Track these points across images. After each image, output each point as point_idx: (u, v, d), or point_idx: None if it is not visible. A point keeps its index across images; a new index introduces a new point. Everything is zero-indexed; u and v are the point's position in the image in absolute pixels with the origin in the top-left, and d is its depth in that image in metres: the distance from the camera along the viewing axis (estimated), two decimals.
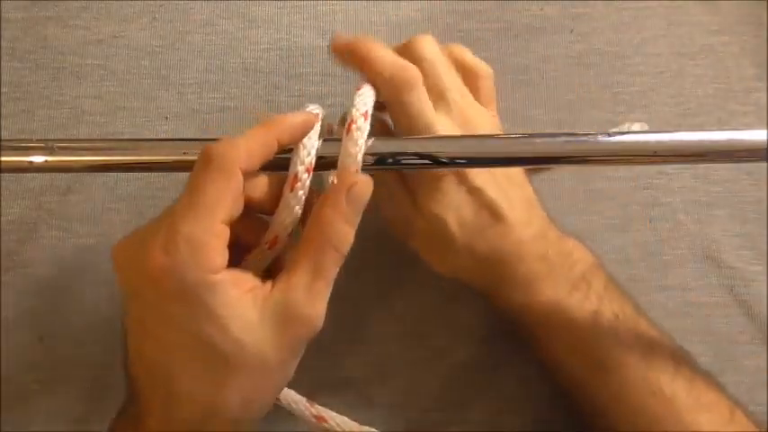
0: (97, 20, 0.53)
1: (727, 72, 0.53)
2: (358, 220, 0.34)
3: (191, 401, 0.32)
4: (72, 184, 0.49)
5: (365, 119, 0.35)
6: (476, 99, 0.43)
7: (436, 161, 0.35)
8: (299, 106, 0.50)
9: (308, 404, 0.41)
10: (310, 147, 0.35)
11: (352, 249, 0.48)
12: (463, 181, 0.40)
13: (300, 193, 0.35)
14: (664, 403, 0.38)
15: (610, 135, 0.35)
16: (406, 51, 0.40)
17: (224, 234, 0.32)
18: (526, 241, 0.41)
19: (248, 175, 0.33)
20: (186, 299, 0.31)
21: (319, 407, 0.42)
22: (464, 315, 0.47)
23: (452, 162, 0.36)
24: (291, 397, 0.41)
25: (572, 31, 0.53)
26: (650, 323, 0.41)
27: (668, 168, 0.50)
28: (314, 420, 0.41)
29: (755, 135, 0.35)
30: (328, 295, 0.34)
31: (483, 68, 0.44)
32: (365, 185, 0.34)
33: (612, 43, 0.53)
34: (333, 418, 0.41)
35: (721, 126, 0.52)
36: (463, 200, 0.40)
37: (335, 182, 0.34)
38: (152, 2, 0.53)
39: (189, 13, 0.53)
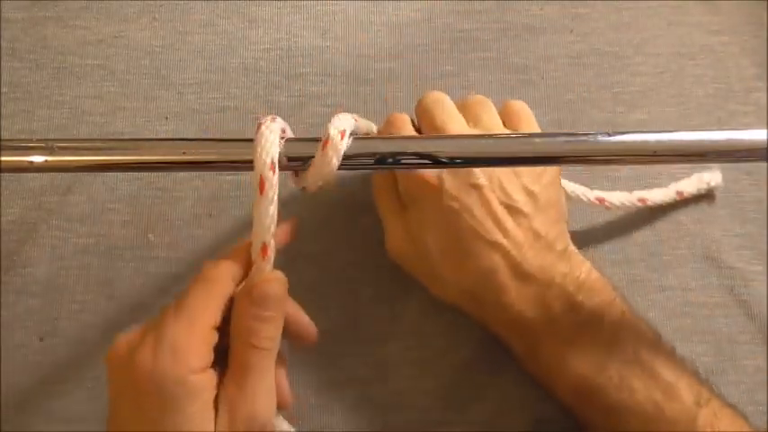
0: (97, 20, 0.53)
1: (727, 72, 0.53)
2: (273, 312, 0.34)
3: None
4: (72, 184, 0.49)
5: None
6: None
7: (436, 161, 0.35)
8: (299, 106, 0.51)
9: None
10: (269, 147, 0.34)
11: (352, 250, 0.49)
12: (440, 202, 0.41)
13: (271, 193, 0.34)
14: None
15: (610, 135, 0.35)
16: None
17: (207, 337, 0.34)
18: (522, 264, 0.41)
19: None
20: (163, 399, 0.32)
21: None
22: (464, 315, 0.47)
23: (452, 162, 0.36)
24: None
25: (572, 31, 0.53)
26: (666, 361, 0.40)
27: (668, 168, 0.50)
28: None
29: (755, 135, 0.35)
30: (269, 386, 0.34)
31: (524, 108, 0.45)
32: (265, 285, 0.34)
33: (612, 43, 0.53)
34: None
35: (721, 126, 0.52)
36: (448, 223, 0.41)
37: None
38: (152, 2, 0.53)
39: (189, 13, 0.53)
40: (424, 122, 0.43)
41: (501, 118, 0.44)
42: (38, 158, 0.33)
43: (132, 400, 0.33)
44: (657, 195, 0.47)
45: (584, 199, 0.46)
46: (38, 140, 0.33)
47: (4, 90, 0.51)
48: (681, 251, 0.49)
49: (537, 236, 0.41)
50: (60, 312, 0.47)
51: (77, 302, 0.47)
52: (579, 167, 0.49)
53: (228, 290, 0.35)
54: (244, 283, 0.35)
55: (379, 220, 0.49)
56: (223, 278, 0.35)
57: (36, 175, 0.49)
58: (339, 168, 0.35)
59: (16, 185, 0.49)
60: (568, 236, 0.44)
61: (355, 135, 0.36)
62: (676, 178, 0.49)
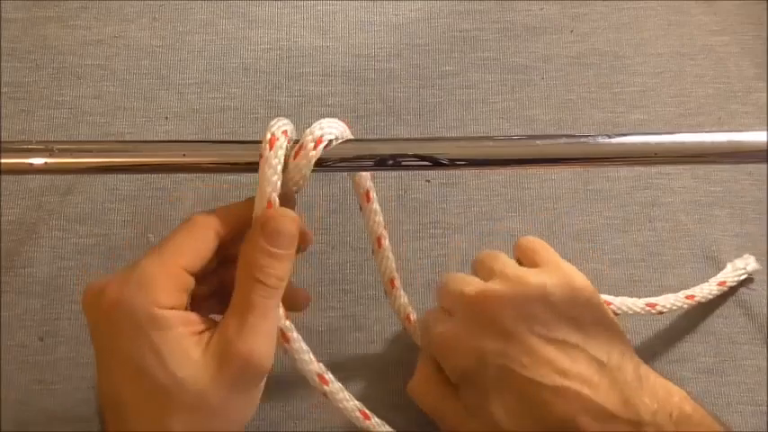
0: (97, 20, 0.53)
1: (727, 72, 0.53)
2: (284, 250, 0.34)
3: None
4: (72, 185, 0.49)
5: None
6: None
7: (436, 162, 0.35)
8: (299, 106, 0.51)
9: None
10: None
11: (351, 250, 0.49)
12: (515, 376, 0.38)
13: (275, 161, 0.34)
14: None
15: (610, 137, 0.35)
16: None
17: (179, 277, 0.33)
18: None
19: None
20: (132, 331, 0.32)
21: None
22: None
23: (453, 163, 0.35)
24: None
25: (572, 31, 0.53)
26: None
27: (668, 168, 0.50)
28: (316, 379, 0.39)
29: (755, 136, 0.34)
30: (269, 329, 0.34)
31: (536, 242, 0.43)
32: (280, 220, 0.34)
33: (612, 43, 0.53)
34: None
35: (721, 126, 0.52)
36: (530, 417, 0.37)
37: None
38: (152, 2, 0.53)
39: (189, 13, 0.53)
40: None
41: (517, 258, 0.43)
42: (37, 161, 0.33)
43: (106, 333, 0.33)
44: (704, 291, 0.47)
45: (634, 311, 0.44)
46: (38, 142, 0.33)
47: (4, 90, 0.51)
48: (681, 251, 0.49)
49: (600, 365, 0.37)
50: (60, 312, 0.47)
51: (77, 302, 0.47)
52: (579, 169, 0.49)
53: (209, 239, 0.34)
54: (255, 219, 0.34)
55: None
56: (206, 225, 0.34)
57: (36, 175, 0.49)
58: (341, 170, 0.36)
59: (16, 186, 0.49)
60: (633, 353, 0.39)
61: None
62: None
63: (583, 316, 0.39)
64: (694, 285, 0.48)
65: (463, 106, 0.51)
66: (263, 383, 0.35)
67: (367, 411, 0.40)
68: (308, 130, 0.35)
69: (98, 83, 0.51)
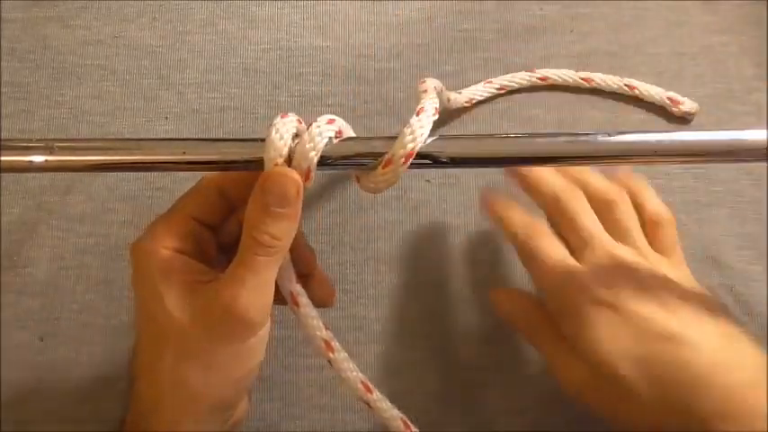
0: (97, 20, 0.53)
1: (727, 72, 0.53)
2: (279, 208, 0.34)
3: (149, 375, 0.35)
4: (72, 184, 0.49)
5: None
6: (653, 248, 0.41)
7: (436, 161, 0.35)
8: (299, 106, 0.51)
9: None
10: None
11: (351, 250, 0.49)
12: (622, 311, 0.36)
13: (284, 129, 0.34)
14: None
15: (610, 135, 0.35)
16: (553, 199, 0.41)
17: (181, 221, 0.36)
18: (718, 363, 0.34)
19: None
20: (138, 271, 0.35)
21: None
22: (464, 315, 0.47)
23: (452, 162, 0.35)
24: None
25: (572, 31, 0.53)
26: None
27: (668, 168, 0.50)
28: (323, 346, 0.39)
29: (755, 135, 0.34)
30: (258, 284, 0.34)
31: (665, 216, 0.41)
32: (276, 175, 0.34)
33: (612, 43, 0.53)
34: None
35: (721, 126, 0.52)
36: (631, 336, 0.36)
37: None
38: (152, 2, 0.53)
39: (189, 13, 0.53)
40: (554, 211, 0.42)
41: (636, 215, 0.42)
42: (38, 158, 0.33)
43: (132, 279, 0.36)
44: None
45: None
46: (38, 140, 0.33)
47: (4, 90, 0.51)
48: None
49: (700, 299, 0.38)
50: (60, 312, 0.47)
51: (77, 302, 0.47)
52: (580, 167, 0.49)
53: (211, 190, 0.37)
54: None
55: (379, 220, 0.49)
56: (210, 180, 0.37)
57: (36, 175, 0.49)
58: (342, 168, 0.36)
59: (16, 185, 0.49)
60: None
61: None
62: None
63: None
64: None
65: (463, 106, 0.51)
66: (256, 345, 0.35)
67: (370, 384, 0.40)
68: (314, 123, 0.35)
69: (98, 83, 0.52)
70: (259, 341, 0.35)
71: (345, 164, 0.35)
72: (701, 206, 0.50)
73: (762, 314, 0.47)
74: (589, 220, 0.41)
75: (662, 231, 0.41)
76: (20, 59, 0.52)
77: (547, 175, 0.42)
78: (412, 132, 0.35)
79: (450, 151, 0.35)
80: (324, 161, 0.34)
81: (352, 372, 0.39)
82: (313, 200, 0.49)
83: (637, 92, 0.51)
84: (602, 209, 0.41)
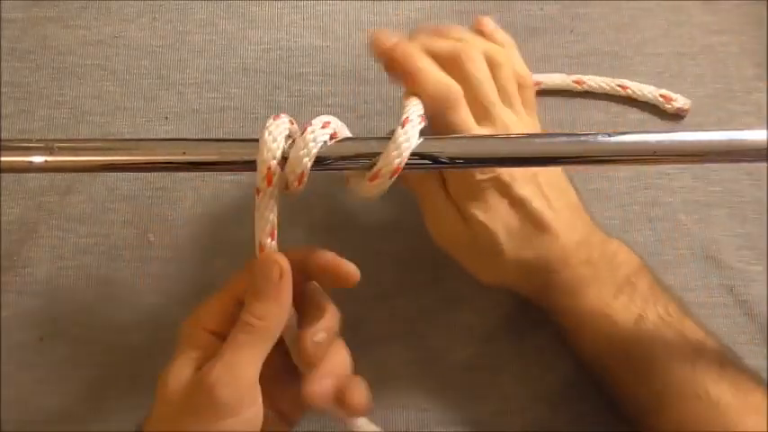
0: (97, 20, 0.53)
1: (727, 72, 0.53)
2: (265, 292, 0.35)
3: None
4: (72, 184, 0.49)
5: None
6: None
7: (436, 161, 0.35)
8: (298, 106, 0.51)
9: None
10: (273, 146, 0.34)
11: (351, 249, 0.49)
12: (507, 192, 0.41)
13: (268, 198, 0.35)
14: (709, 406, 0.38)
15: (610, 135, 0.35)
16: (451, 60, 0.41)
17: (223, 306, 0.37)
18: (571, 247, 0.42)
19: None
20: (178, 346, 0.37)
21: None
22: (464, 315, 0.47)
23: (452, 162, 0.36)
24: None
25: (572, 31, 0.53)
26: (696, 323, 0.42)
27: (668, 168, 0.50)
28: None
29: (755, 135, 0.34)
30: (239, 364, 0.34)
31: (528, 78, 0.44)
32: (260, 263, 0.35)
33: (612, 43, 0.53)
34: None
35: (721, 126, 0.52)
36: (509, 211, 0.41)
37: None
38: (152, 2, 0.53)
39: (189, 13, 0.53)
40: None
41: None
42: (38, 159, 0.33)
43: None
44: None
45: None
46: (38, 140, 0.33)
47: (4, 90, 0.51)
48: (681, 251, 0.49)
49: (575, 208, 0.43)
50: (60, 312, 0.47)
51: (77, 302, 0.47)
52: (579, 168, 0.49)
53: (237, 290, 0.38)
54: None
55: (380, 220, 0.49)
56: (237, 279, 0.38)
57: (36, 175, 0.49)
58: (341, 169, 0.36)
59: (16, 185, 0.49)
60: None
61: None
62: None
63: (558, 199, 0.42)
64: (694, 285, 0.48)
65: None
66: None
67: None
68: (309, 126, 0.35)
69: (98, 83, 0.52)
70: (233, 428, 0.34)
71: (340, 166, 0.36)
72: (701, 206, 0.50)
73: (762, 314, 0.47)
74: (489, 87, 0.41)
75: (527, 92, 0.44)
76: (20, 59, 0.52)
77: (434, 40, 0.42)
78: (397, 147, 0.35)
79: (450, 151, 0.36)
80: (320, 161, 0.35)
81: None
82: (313, 200, 0.49)
83: (630, 91, 0.51)
84: (490, 70, 0.42)
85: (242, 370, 0.34)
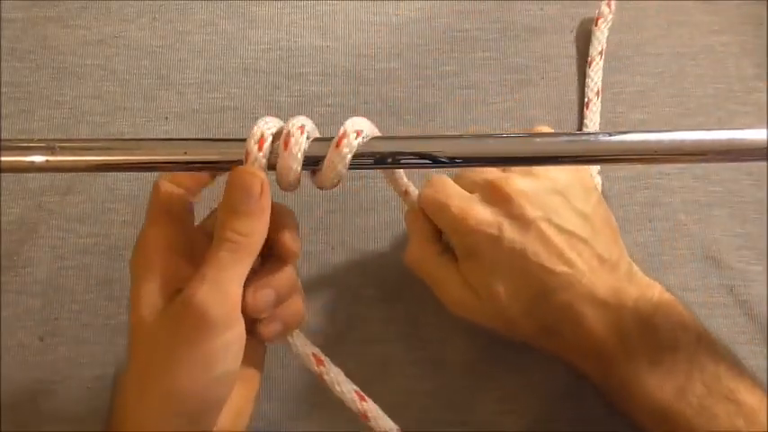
0: (97, 20, 0.53)
1: (727, 72, 0.53)
2: (243, 206, 0.34)
3: (124, 375, 0.35)
4: (72, 184, 0.49)
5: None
6: None
7: (436, 161, 0.35)
8: (298, 106, 0.51)
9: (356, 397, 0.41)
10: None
11: (351, 249, 0.49)
12: (527, 260, 0.40)
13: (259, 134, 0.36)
14: None
15: (610, 135, 0.35)
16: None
17: (158, 262, 0.36)
18: (596, 297, 0.40)
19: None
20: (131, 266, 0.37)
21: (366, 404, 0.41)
22: (464, 315, 0.47)
23: (452, 162, 0.35)
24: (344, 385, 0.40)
25: (572, 31, 0.53)
26: (749, 385, 0.39)
27: (668, 168, 0.50)
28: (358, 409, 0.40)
29: (755, 135, 0.35)
30: (222, 280, 0.33)
31: None
32: (240, 173, 0.34)
33: (612, 43, 0.53)
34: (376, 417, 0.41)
35: (721, 126, 0.52)
36: (508, 265, 0.41)
37: None
38: (152, 2, 0.53)
39: (189, 13, 0.53)
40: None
41: None
42: (39, 158, 0.33)
43: None
44: None
45: None
46: (39, 140, 0.33)
47: (4, 90, 0.51)
48: (681, 251, 0.49)
49: (601, 260, 0.41)
50: (60, 312, 0.47)
51: (77, 302, 0.47)
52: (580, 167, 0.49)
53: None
54: None
55: (379, 220, 0.49)
56: (164, 193, 0.37)
57: (36, 175, 0.49)
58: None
59: (16, 185, 0.49)
60: (627, 255, 0.43)
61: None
62: None
63: (594, 215, 0.42)
64: (694, 285, 0.48)
65: (463, 106, 0.51)
66: (220, 350, 0.33)
67: (363, 394, 0.41)
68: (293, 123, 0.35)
69: (98, 83, 0.51)
70: (224, 346, 0.33)
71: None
72: (701, 206, 0.50)
73: (762, 314, 0.47)
74: (475, 170, 0.43)
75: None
76: (20, 59, 0.52)
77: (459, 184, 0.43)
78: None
79: (450, 151, 0.35)
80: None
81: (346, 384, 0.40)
82: (313, 200, 0.49)
83: None
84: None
85: (229, 287, 0.33)
